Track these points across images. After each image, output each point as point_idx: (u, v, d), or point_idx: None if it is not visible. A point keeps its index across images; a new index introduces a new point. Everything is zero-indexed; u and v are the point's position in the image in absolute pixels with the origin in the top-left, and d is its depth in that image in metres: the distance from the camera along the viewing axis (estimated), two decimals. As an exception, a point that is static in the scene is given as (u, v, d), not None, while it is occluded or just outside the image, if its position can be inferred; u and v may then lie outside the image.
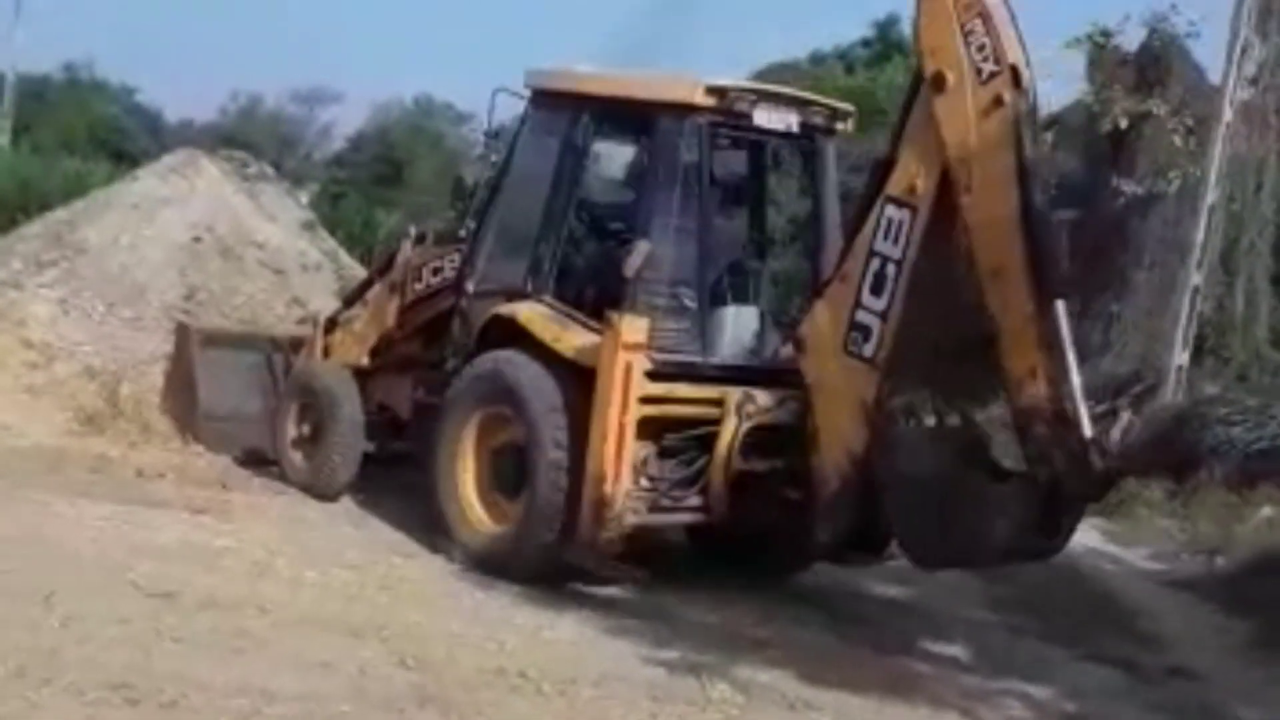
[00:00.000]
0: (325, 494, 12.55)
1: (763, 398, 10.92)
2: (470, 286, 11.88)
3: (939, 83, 10.06)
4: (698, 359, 11.15)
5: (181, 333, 14.44)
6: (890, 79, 35.99)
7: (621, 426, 10.38)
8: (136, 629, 8.34)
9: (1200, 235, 20.30)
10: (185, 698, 7.31)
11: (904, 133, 10.46)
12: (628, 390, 10.38)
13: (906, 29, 43.39)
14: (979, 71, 9.88)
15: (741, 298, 11.71)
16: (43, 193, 29.99)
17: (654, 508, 10.82)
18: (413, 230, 13.37)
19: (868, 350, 10.32)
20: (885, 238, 10.27)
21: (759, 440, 10.91)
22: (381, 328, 12.81)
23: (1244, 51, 20.52)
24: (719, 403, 10.88)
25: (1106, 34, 25.84)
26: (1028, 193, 9.71)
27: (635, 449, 10.56)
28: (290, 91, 57.59)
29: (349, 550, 10.98)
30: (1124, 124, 24.25)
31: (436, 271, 12.43)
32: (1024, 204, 9.70)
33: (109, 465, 12.48)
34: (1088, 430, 9.56)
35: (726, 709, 8.58)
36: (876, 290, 10.29)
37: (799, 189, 12.66)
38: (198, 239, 17.78)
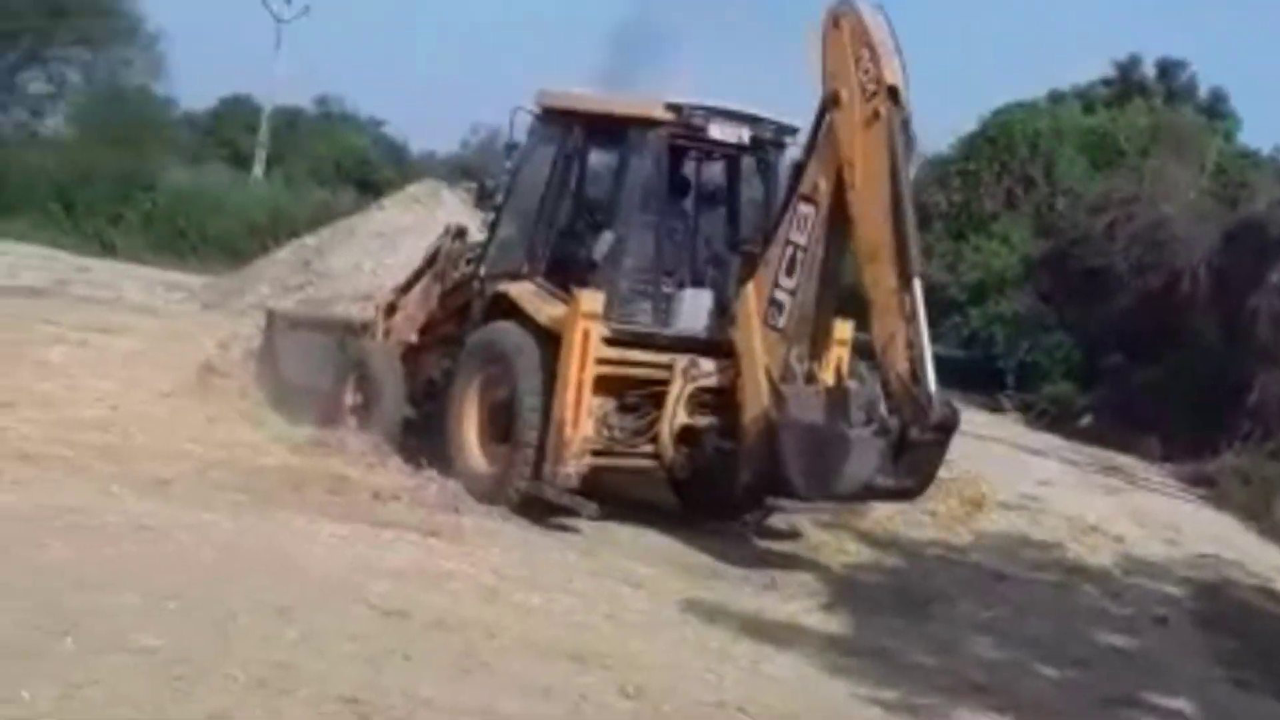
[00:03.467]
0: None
1: (706, 364, 13.00)
2: (484, 271, 13.93)
3: (835, 100, 12.34)
4: (652, 330, 13.26)
5: (269, 317, 16.60)
6: (1132, 120, 35.32)
7: (580, 381, 12.53)
8: (369, 646, 8.57)
9: None
10: (414, 715, 7.51)
11: (812, 142, 12.64)
12: (585, 351, 12.52)
13: (1149, 70, 42.63)
14: (864, 90, 12.09)
15: (700, 282, 13.66)
16: (292, 220, 31.11)
17: (610, 452, 13.01)
18: (453, 227, 15.18)
19: (780, 322, 12.48)
20: (797, 229, 12.49)
21: (701, 400, 13.05)
22: (427, 310, 14.72)
23: None
24: (669, 367, 12.94)
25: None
26: (898, 189, 11.83)
27: (598, 402, 12.80)
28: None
29: (576, 578, 11.15)
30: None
31: (468, 261, 14.42)
32: (894, 199, 11.84)
33: (347, 486, 12.77)
34: (932, 387, 11.51)
35: (944, 753, 8.55)
36: (789, 272, 12.49)
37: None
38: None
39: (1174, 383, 26.54)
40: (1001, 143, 34.85)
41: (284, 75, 52.19)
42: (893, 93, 11.99)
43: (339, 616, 9.04)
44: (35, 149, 41.68)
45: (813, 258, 12.38)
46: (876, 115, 12.01)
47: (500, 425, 13.17)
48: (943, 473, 16.30)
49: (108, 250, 32.91)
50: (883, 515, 14.84)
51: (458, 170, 40.51)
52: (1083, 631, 12.07)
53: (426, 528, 11.81)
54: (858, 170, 12.10)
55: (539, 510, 12.69)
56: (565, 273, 13.14)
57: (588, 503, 12.57)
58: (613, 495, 13.24)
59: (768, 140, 13.58)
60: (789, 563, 12.71)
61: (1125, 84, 40.19)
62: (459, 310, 14.25)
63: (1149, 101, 38.13)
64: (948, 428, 11.83)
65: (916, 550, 13.98)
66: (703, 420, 13.01)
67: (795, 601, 11.61)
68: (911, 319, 11.62)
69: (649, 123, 13.05)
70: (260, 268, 19.12)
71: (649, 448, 13.07)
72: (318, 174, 45.85)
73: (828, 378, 12.69)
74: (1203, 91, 41.10)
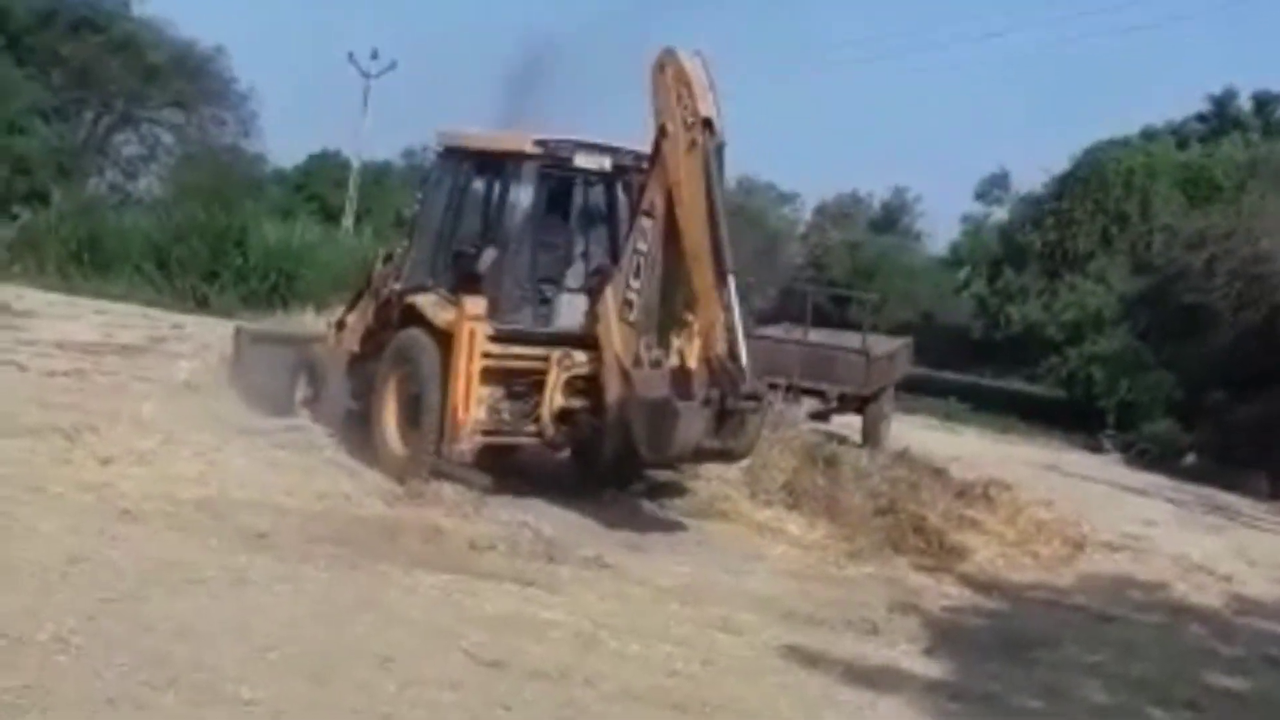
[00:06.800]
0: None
1: (579, 355, 15.09)
2: (398, 286, 15.98)
3: (663, 131, 14.49)
4: (532, 328, 15.36)
5: (236, 333, 18.94)
6: (1228, 155, 34.86)
7: (469, 373, 14.66)
8: (468, 696, 8.60)
9: None
10: (516, 764, 7.48)
11: (650, 167, 14.73)
12: (472, 348, 14.66)
13: (1245, 104, 42.04)
14: (685, 123, 14.20)
15: (574, 288, 15.67)
16: (381, 273, 31.11)
17: (500, 432, 15.16)
18: (382, 251, 17.52)
19: (632, 317, 14.57)
20: (641, 239, 14.66)
21: (576, 385, 15.12)
22: (365, 322, 16.70)
23: None
24: (547, 359, 15.02)
25: None
26: (713, 204, 13.97)
27: (487, 391, 14.93)
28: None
29: (674, 625, 11.08)
30: None
31: (396, 280, 16.28)
32: (710, 212, 13.96)
33: (442, 536, 12.82)
34: (745, 364, 13.71)
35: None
36: (636, 275, 14.64)
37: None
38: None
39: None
40: (1095, 181, 34.60)
41: (371, 130, 52.80)
42: (708, 124, 14.08)
43: (438, 667, 9.07)
44: (129, 210, 42.17)
45: (654, 262, 14.57)
46: (694, 143, 14.14)
47: (412, 414, 15.21)
48: (1043, 514, 16.26)
49: (201, 306, 33.17)
50: (984, 559, 14.70)
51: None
52: (1193, 673, 11.84)
53: (523, 577, 11.83)
54: (682, 189, 14.24)
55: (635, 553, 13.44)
56: (463, 285, 15.10)
57: (481, 475, 14.46)
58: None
59: (629, 166, 15.55)
60: (890, 608, 12.55)
61: (1220, 119, 39.78)
62: (388, 321, 16.15)
63: (1245, 136, 37.69)
64: (758, 396, 14.13)
65: (1019, 593, 13.81)
66: (577, 402, 15.16)
67: (897, 646, 11.48)
68: (728, 309, 13.84)
69: (521, 156, 15.20)
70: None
71: (533, 427, 15.22)
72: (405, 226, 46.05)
73: (676, 361, 14.49)
74: (1301, 124, 40.59)
